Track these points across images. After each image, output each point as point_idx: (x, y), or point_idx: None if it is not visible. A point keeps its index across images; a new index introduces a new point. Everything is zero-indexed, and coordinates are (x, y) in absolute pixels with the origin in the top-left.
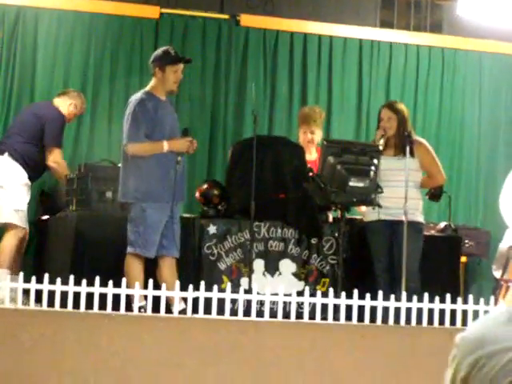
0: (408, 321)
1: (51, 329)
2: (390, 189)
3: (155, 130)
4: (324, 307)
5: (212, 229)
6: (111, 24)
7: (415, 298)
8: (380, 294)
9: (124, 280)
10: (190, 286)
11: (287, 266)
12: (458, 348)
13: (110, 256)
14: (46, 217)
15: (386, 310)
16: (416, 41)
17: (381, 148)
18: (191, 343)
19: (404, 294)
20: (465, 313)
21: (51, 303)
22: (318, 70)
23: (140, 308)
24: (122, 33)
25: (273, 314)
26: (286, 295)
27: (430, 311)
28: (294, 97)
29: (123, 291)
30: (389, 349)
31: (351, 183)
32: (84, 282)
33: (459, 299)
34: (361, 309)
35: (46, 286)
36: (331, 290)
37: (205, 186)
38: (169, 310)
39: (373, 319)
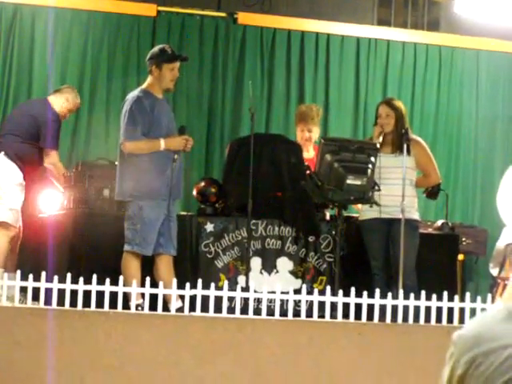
0: (405, 319)
1: (48, 327)
2: (386, 186)
3: (152, 128)
4: (321, 305)
5: (209, 227)
6: (108, 22)
7: (412, 295)
8: (377, 291)
9: (121, 278)
10: (187, 284)
11: (284, 264)
12: (455, 346)
13: (107, 254)
14: (43, 215)
15: (383, 307)
16: (413, 39)
17: (378, 145)
18: (188, 341)
19: (401, 292)
20: (462, 311)
21: (48, 301)
22: (316, 68)
23: (137, 306)
24: (119, 31)
25: (270, 312)
26: (283, 293)
27: (428, 309)
28: (291, 95)
29: (120, 289)
30: (386, 347)
31: (348, 181)
32: (81, 279)
33: (456, 297)
34: (358, 307)
35: (43, 284)
36: (328, 287)
37: (202, 184)
38: (166, 307)
39: (370, 317)
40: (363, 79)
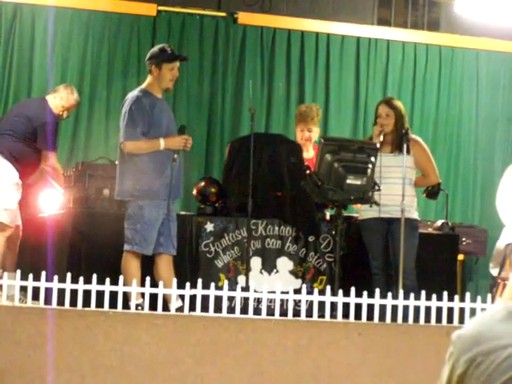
0: (405, 319)
1: (48, 326)
2: (386, 186)
3: (151, 128)
4: (321, 305)
5: (209, 226)
6: (108, 21)
7: (412, 295)
8: (377, 291)
9: (121, 277)
10: (187, 284)
11: (284, 264)
12: (455, 345)
13: (107, 253)
14: (43, 214)
15: (383, 307)
16: (413, 39)
17: (378, 145)
18: (188, 341)
19: (401, 292)
20: (462, 311)
21: (48, 301)
22: (316, 68)
23: (137, 306)
24: (119, 30)
25: (270, 312)
26: (283, 293)
27: (427, 309)
28: (291, 94)
29: (120, 289)
30: (386, 347)
31: (348, 181)
32: (81, 279)
33: (456, 297)
34: (358, 306)
35: (43, 284)
36: (328, 287)
37: (202, 184)
38: (166, 307)
39: (370, 317)
40: (363, 79)
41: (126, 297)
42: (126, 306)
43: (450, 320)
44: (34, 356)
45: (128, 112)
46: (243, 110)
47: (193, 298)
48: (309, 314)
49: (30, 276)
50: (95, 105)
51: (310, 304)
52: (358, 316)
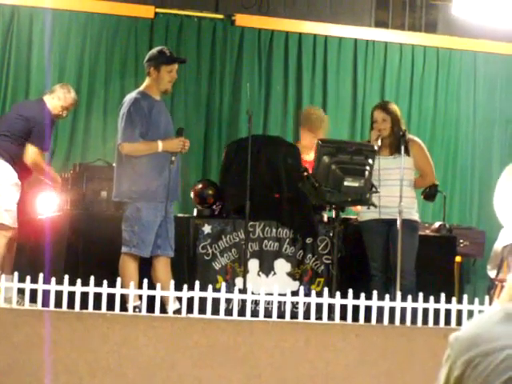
0: (403, 320)
1: (46, 328)
2: (386, 188)
3: (150, 130)
4: (319, 307)
5: (207, 228)
6: (106, 24)
7: (410, 297)
8: (375, 293)
9: (119, 280)
10: (185, 286)
11: (282, 266)
12: (452, 347)
13: (105, 256)
14: (41, 216)
15: (380, 309)
16: (411, 41)
17: (376, 148)
18: (186, 343)
19: (399, 294)
20: (459, 313)
21: (46, 303)
22: (313, 70)
23: (135, 308)
24: (117, 32)
25: (267, 314)
26: (280, 295)
27: (425, 311)
28: (288, 97)
29: (118, 291)
30: (384, 348)
31: (346, 183)
32: (79, 281)
33: (454, 299)
34: (355, 308)
35: (40, 286)
36: (326, 289)
37: (199, 186)
38: (163, 309)
39: (368, 319)
40: (361, 81)
41: (124, 299)
42: (123, 308)
43: (447, 322)
44: (31, 358)
45: (126, 114)
46: (241, 112)
47: (190, 300)
48: (306, 315)
49: (28, 278)
50: (93, 107)
51: (308, 306)
52: (355, 318)
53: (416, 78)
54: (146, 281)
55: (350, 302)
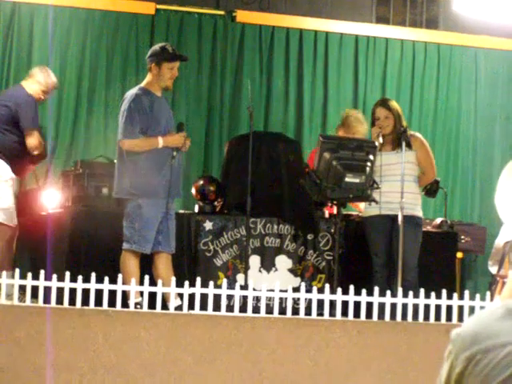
0: (404, 317)
1: (47, 325)
2: (389, 183)
3: (150, 126)
4: (320, 303)
5: (208, 225)
6: (107, 20)
7: (411, 293)
8: (376, 289)
9: (120, 276)
10: (186, 282)
11: (283, 262)
12: (454, 343)
13: (106, 252)
14: (42, 213)
15: (382, 305)
16: (412, 36)
17: (377, 145)
18: (187, 339)
19: (400, 290)
20: (461, 309)
21: (47, 299)
22: (314, 66)
23: (136, 304)
24: (117, 29)
25: (269, 310)
26: (282, 291)
27: (426, 307)
28: (289, 93)
29: (119, 287)
30: (385, 345)
31: (347, 179)
32: (80, 278)
33: (455, 295)
34: (357, 305)
35: (41, 283)
36: (327, 285)
37: (201, 182)
38: (165, 306)
39: (369, 315)
40: (362, 77)
41: (125, 295)
42: (124, 304)
43: (448, 318)
44: (32, 355)
45: (127, 110)
46: (242, 108)
47: (192, 296)
48: (308, 312)
49: (29, 275)
50: (94, 103)
51: (309, 302)
52: (356, 314)
53: (417, 74)
54: (147, 277)
55: (351, 298)
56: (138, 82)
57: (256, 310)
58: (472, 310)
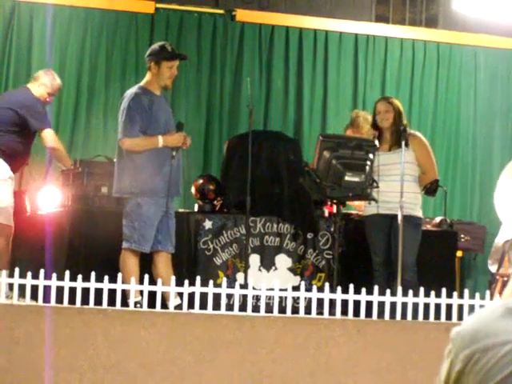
0: (404, 315)
1: (47, 324)
2: (388, 183)
3: (150, 125)
4: (320, 302)
5: (208, 224)
6: (106, 19)
7: (411, 292)
8: (376, 288)
9: (120, 275)
10: (186, 281)
11: (283, 261)
12: (454, 342)
13: (106, 251)
14: (41, 212)
15: (381, 304)
16: (411, 35)
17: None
18: (187, 338)
19: (400, 289)
20: (460, 307)
21: (47, 298)
22: (314, 65)
23: (136, 303)
24: (117, 28)
25: (269, 309)
26: (281, 290)
27: (426, 306)
28: (289, 91)
29: (119, 286)
30: (385, 343)
31: (347, 178)
32: (79, 277)
33: (455, 294)
34: (357, 303)
35: (41, 282)
36: (327, 284)
37: (200, 181)
38: (164, 305)
39: (369, 314)
40: (361, 76)
41: (125, 294)
42: (124, 303)
43: (448, 317)
44: (32, 354)
45: (126, 109)
46: (241, 107)
47: (191, 295)
48: (307, 311)
49: (29, 274)
50: (93, 102)
51: (309, 301)
52: (356, 313)
53: (416, 72)
54: (146, 276)
55: (351, 297)
56: (137, 81)
57: (256, 309)
58: (472, 308)
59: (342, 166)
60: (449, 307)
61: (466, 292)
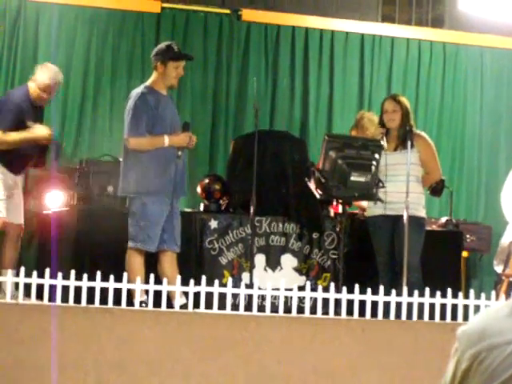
0: (409, 315)
1: (52, 323)
2: (392, 183)
3: (156, 125)
4: (325, 302)
5: (213, 223)
6: (112, 18)
7: (416, 292)
8: (381, 288)
9: (125, 274)
10: (191, 281)
11: (288, 261)
12: (460, 341)
13: (111, 250)
14: (47, 211)
15: (387, 304)
16: (418, 35)
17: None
18: (192, 338)
19: (405, 289)
20: (466, 308)
21: (52, 298)
22: (320, 65)
23: (141, 303)
24: (123, 27)
25: (274, 309)
26: (287, 290)
27: (432, 306)
28: (295, 91)
29: (124, 286)
30: (390, 344)
31: (352, 178)
32: (85, 276)
33: (460, 294)
34: (362, 303)
35: (47, 281)
36: (332, 284)
37: (206, 181)
38: (170, 304)
39: (374, 314)
40: (367, 76)
41: (130, 294)
42: (129, 303)
43: (454, 317)
44: (38, 353)
45: (132, 108)
46: (247, 106)
47: (197, 295)
48: (313, 310)
49: (34, 273)
50: (99, 102)
51: (314, 301)
52: (361, 313)
53: (423, 73)
54: (152, 276)
55: (356, 297)
56: (143, 81)
57: (261, 308)
58: (477, 308)
59: (348, 166)
60: (454, 307)
61: (472, 292)
